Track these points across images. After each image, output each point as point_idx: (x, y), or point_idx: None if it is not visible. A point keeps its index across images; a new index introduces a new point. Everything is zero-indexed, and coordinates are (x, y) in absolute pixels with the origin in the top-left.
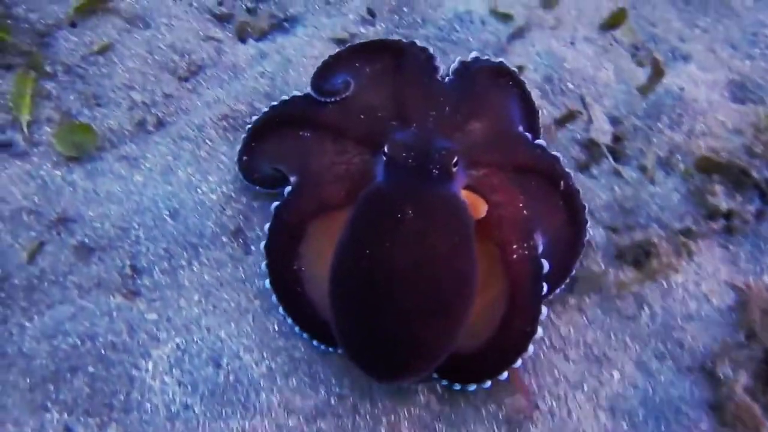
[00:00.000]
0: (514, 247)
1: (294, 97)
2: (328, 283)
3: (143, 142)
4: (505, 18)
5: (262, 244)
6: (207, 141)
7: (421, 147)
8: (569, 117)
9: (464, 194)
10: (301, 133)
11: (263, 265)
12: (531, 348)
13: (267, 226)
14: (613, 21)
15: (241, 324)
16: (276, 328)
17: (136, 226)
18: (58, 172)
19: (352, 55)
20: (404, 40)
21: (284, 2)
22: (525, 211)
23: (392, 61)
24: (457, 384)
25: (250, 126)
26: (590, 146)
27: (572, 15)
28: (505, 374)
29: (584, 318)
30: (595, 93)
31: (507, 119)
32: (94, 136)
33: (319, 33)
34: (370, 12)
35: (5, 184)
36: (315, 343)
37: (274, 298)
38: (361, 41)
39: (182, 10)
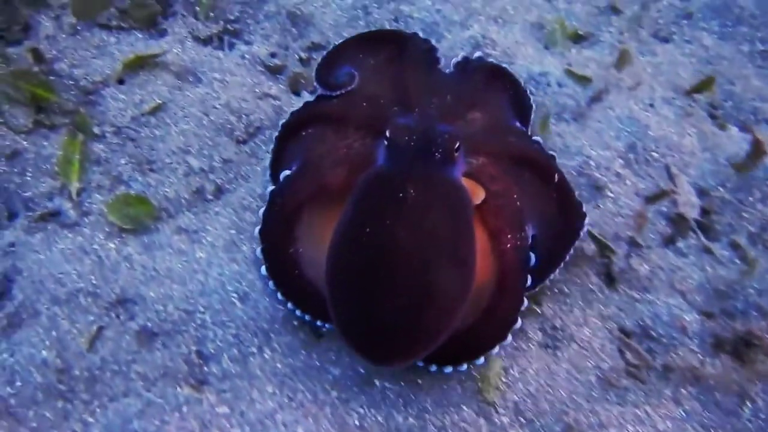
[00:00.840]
0: (508, 236)
1: (304, 103)
2: (326, 263)
3: (202, 212)
4: (583, 80)
5: (257, 230)
6: None
7: (424, 130)
8: (661, 196)
9: (463, 180)
10: (307, 128)
11: (257, 251)
12: (510, 338)
13: (261, 210)
14: (701, 87)
15: (319, 419)
16: (357, 422)
17: (202, 309)
18: (111, 245)
19: (355, 46)
20: (406, 31)
21: None
22: (519, 203)
23: (394, 51)
24: (433, 365)
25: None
26: (677, 220)
27: (648, 73)
28: (483, 359)
29: (681, 411)
30: (680, 162)
31: (505, 113)
32: (151, 208)
33: None
34: None
35: (59, 261)
36: (318, 323)
37: (271, 284)
38: (363, 32)
39: (233, 63)
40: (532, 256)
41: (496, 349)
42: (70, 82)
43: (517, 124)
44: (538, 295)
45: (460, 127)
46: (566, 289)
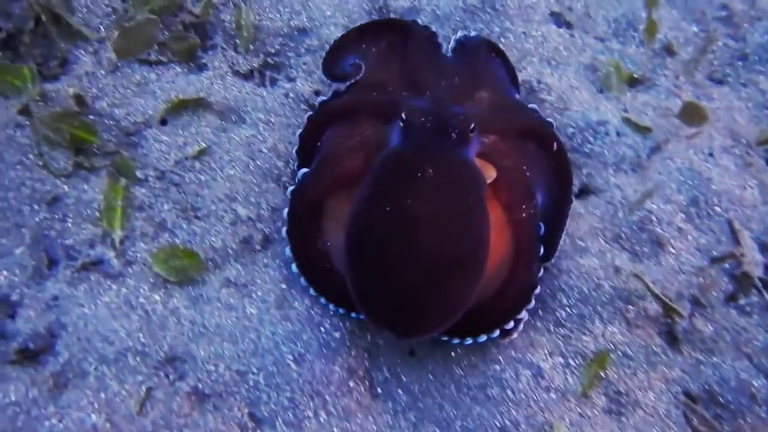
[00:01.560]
0: (522, 207)
1: (317, 107)
2: (345, 241)
3: (250, 263)
4: (643, 130)
5: (284, 230)
6: None
7: (439, 112)
8: (729, 257)
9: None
10: (326, 129)
11: (287, 250)
12: (533, 301)
13: (285, 211)
14: (764, 141)
15: None
16: None
17: (255, 371)
18: (157, 297)
19: (358, 37)
20: (404, 19)
21: None
22: (528, 173)
23: (397, 39)
24: (459, 338)
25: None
26: (740, 278)
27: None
28: (512, 323)
29: None
30: (743, 216)
31: (505, 87)
32: (199, 261)
33: None
34: None
35: (105, 317)
36: (353, 315)
37: (302, 280)
38: (364, 22)
39: (277, 101)
40: (541, 225)
41: (524, 314)
42: (111, 122)
43: (516, 95)
44: (602, 358)
45: (471, 108)
46: (630, 351)
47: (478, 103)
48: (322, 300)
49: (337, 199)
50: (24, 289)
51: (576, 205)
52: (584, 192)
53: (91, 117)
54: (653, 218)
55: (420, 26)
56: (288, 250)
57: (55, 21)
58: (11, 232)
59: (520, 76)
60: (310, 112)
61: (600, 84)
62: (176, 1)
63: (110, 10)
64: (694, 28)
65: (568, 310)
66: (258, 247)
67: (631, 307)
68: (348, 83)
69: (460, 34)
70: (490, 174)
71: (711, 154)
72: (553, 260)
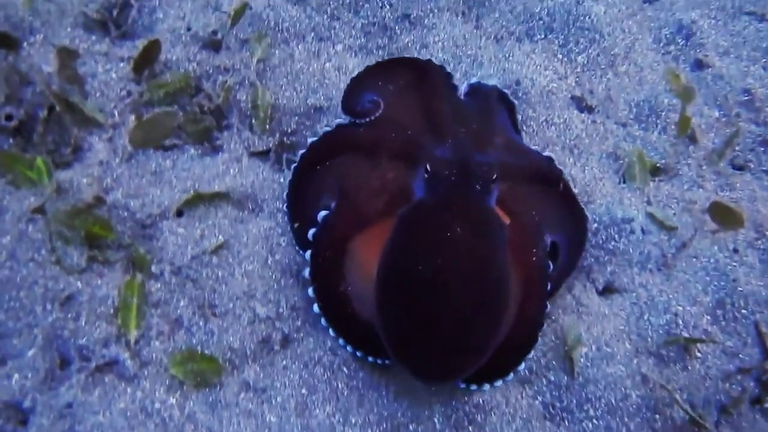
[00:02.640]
0: (533, 251)
1: (325, 133)
2: (375, 295)
3: (269, 365)
4: (669, 228)
5: (306, 271)
6: (343, 368)
7: (462, 162)
8: (758, 369)
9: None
10: (338, 159)
11: (309, 291)
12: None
13: (308, 253)
14: None
15: None
16: None
17: None
18: (173, 400)
19: (375, 74)
20: (421, 58)
21: None
22: (537, 217)
23: (414, 77)
24: (474, 385)
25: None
26: (766, 383)
27: None
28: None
29: None
30: None
31: (510, 131)
32: (218, 366)
33: None
34: None
35: (122, 426)
36: (370, 359)
37: (323, 321)
38: (381, 60)
39: None
40: (550, 263)
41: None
42: (126, 213)
43: (521, 140)
44: None
45: (491, 155)
46: None
47: (495, 149)
48: (341, 342)
49: (357, 242)
50: (36, 394)
51: (601, 305)
52: (608, 291)
53: (106, 209)
54: (680, 322)
55: (436, 66)
56: (311, 292)
57: (68, 107)
58: (23, 333)
59: None
60: (313, 140)
61: (623, 173)
62: (192, 84)
63: (125, 93)
64: (716, 113)
65: (596, 421)
66: (277, 348)
67: (658, 416)
68: (366, 119)
69: (473, 80)
70: (505, 219)
71: (736, 250)
72: (578, 369)
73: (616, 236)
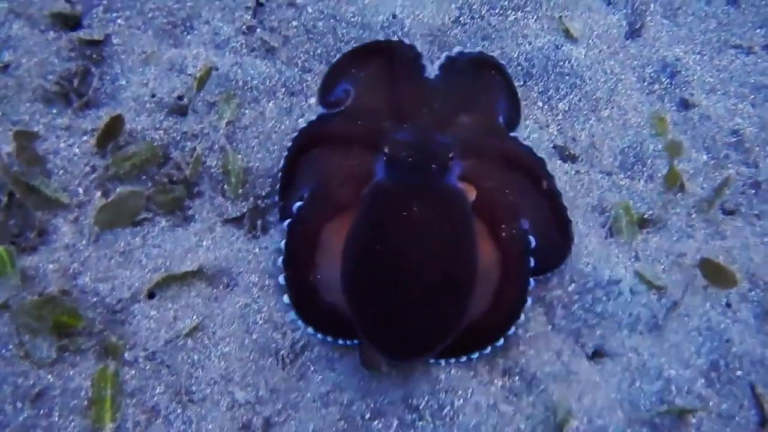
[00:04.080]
0: (503, 227)
1: (303, 128)
2: (341, 277)
3: None
4: (658, 288)
5: (280, 259)
6: None
7: (420, 144)
8: None
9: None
10: (314, 152)
11: (280, 278)
12: (523, 316)
13: (283, 242)
14: None
15: None
16: None
17: None
18: None
19: (348, 62)
20: (392, 39)
21: None
22: (511, 197)
23: (383, 62)
24: (453, 358)
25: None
26: None
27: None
28: (502, 341)
29: None
30: (765, 378)
31: (491, 111)
32: None
33: None
34: None
35: None
36: (339, 341)
37: (292, 313)
38: (354, 47)
39: (271, 260)
40: (532, 239)
41: (512, 329)
42: (95, 298)
43: (501, 119)
44: None
45: (450, 133)
46: None
47: (458, 128)
48: (310, 330)
49: (331, 228)
50: None
51: (590, 372)
52: (598, 355)
53: (74, 294)
54: (673, 388)
55: (405, 47)
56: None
57: (29, 191)
58: None
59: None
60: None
61: (609, 226)
62: (159, 154)
63: (89, 169)
64: (705, 157)
65: None
66: None
67: None
68: (338, 109)
69: (456, 50)
70: (471, 193)
71: (729, 305)
72: None
73: (604, 298)
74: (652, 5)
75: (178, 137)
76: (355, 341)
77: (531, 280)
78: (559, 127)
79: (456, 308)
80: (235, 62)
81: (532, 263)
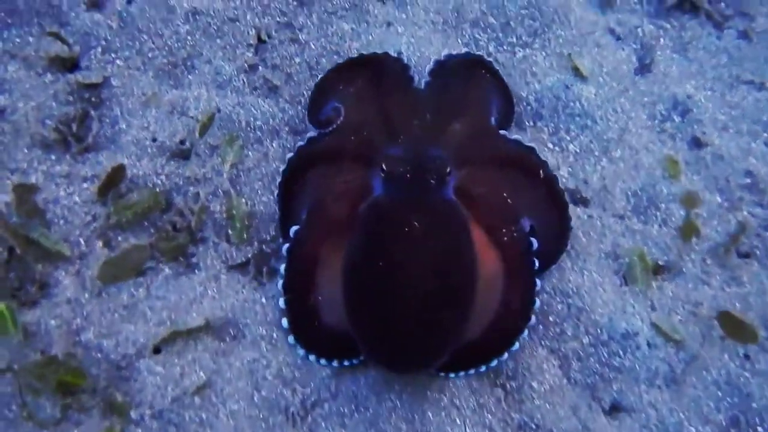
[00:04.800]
0: (503, 231)
1: (297, 148)
2: (342, 294)
3: None
4: (675, 342)
5: (279, 283)
6: None
7: (416, 159)
8: None
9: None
10: (310, 172)
11: (280, 301)
12: (533, 318)
13: (282, 266)
14: None
15: None
16: None
17: None
18: None
19: (335, 79)
20: (378, 53)
21: None
22: (509, 200)
23: (371, 75)
24: (470, 369)
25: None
26: None
27: (737, 309)
28: (517, 345)
29: None
30: None
31: (483, 114)
32: None
33: None
34: None
35: None
36: (335, 363)
37: (291, 338)
38: (339, 62)
39: (278, 310)
40: (534, 241)
41: (525, 333)
42: (99, 355)
43: (493, 120)
44: None
45: (443, 144)
46: None
47: (451, 137)
48: (311, 358)
49: (329, 247)
50: None
51: (608, 428)
52: (615, 410)
53: (77, 351)
54: None
55: (392, 59)
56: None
57: (29, 244)
58: None
59: (543, 280)
60: (291, 156)
61: (624, 274)
62: (161, 201)
63: (90, 218)
64: (718, 199)
65: None
66: None
67: None
68: (330, 128)
69: (444, 54)
70: (464, 210)
71: (747, 356)
72: None
73: (621, 352)
74: (661, 39)
75: (181, 182)
76: (354, 361)
77: (537, 280)
78: (570, 169)
79: (457, 321)
80: (238, 102)
81: (537, 264)
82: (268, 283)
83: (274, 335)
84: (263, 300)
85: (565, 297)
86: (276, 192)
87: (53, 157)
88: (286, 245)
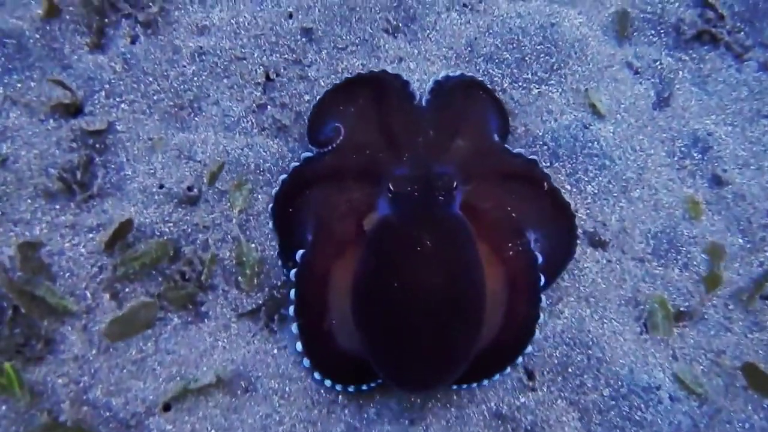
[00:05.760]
0: (509, 245)
1: (293, 168)
2: (353, 316)
3: None
4: (698, 395)
5: (291, 309)
6: None
7: (423, 178)
8: None
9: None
10: (310, 192)
11: (293, 327)
12: (538, 332)
13: (292, 293)
14: None
15: None
16: None
17: None
18: None
19: (334, 99)
20: (377, 71)
21: None
22: (513, 214)
23: (371, 94)
24: (474, 383)
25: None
26: None
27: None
28: (520, 359)
29: None
30: None
31: (485, 130)
32: None
33: None
34: (529, 375)
35: None
36: (351, 388)
37: (306, 362)
38: (337, 83)
39: (290, 362)
40: (539, 255)
41: (529, 348)
42: (108, 413)
43: (495, 136)
44: None
45: (448, 161)
46: None
47: (455, 154)
48: (327, 383)
49: (338, 268)
50: None
51: None
52: None
53: (85, 410)
54: None
55: (391, 77)
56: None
57: (33, 301)
58: None
59: (558, 325)
60: (285, 177)
61: (644, 322)
62: (169, 250)
63: (97, 269)
64: (740, 240)
65: None
66: None
67: None
68: (330, 147)
69: (442, 74)
70: (469, 225)
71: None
72: None
73: (643, 406)
74: (680, 72)
75: (189, 230)
76: (372, 384)
77: (542, 296)
78: (588, 211)
79: (470, 336)
80: (246, 144)
81: (542, 279)
82: (280, 331)
83: (287, 390)
84: (275, 351)
85: (585, 348)
86: (270, 216)
87: (57, 207)
88: (294, 270)
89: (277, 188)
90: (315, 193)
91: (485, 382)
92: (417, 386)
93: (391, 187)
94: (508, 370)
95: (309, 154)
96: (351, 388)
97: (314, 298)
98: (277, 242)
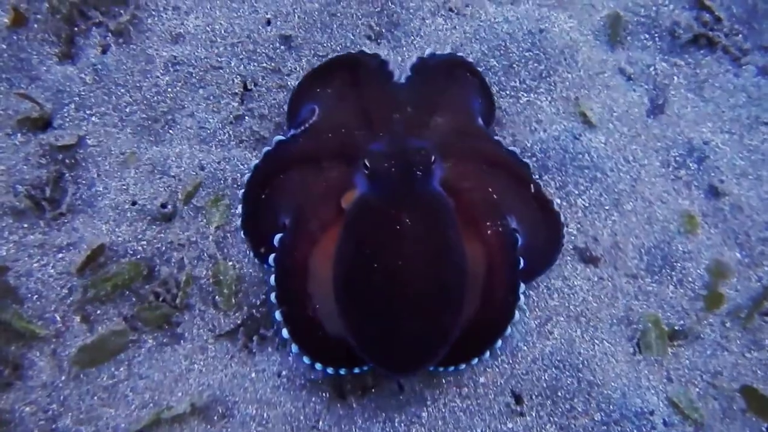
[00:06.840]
0: (487, 224)
1: (266, 153)
2: (335, 299)
3: None
4: (694, 422)
5: (272, 295)
6: None
7: (400, 152)
8: None
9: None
10: (285, 176)
11: (277, 314)
12: (517, 314)
13: (272, 277)
14: None
15: None
16: None
17: None
18: None
19: (311, 82)
20: (354, 52)
21: None
22: (495, 196)
23: (347, 74)
24: (450, 366)
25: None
26: None
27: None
28: (500, 342)
29: None
30: None
31: (467, 110)
32: None
33: None
34: (517, 399)
35: None
36: (342, 371)
37: (294, 347)
38: (315, 66)
39: (269, 386)
40: (519, 236)
41: (508, 330)
42: None
43: (479, 120)
44: None
45: (426, 137)
46: None
47: (434, 130)
48: (318, 366)
49: (318, 251)
50: None
51: None
52: None
53: None
54: None
55: (369, 56)
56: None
57: (0, 326)
58: None
59: (547, 346)
60: (257, 162)
61: (637, 342)
62: (142, 271)
63: (66, 291)
64: (738, 254)
65: None
66: None
67: None
68: (303, 129)
69: (427, 52)
70: (449, 201)
71: None
72: None
73: (635, 431)
74: (675, 78)
75: (164, 248)
76: (365, 368)
77: (522, 283)
78: (578, 225)
79: (453, 316)
80: (223, 157)
81: (522, 263)
82: (259, 353)
83: (265, 416)
84: (252, 375)
85: (575, 370)
86: (243, 192)
87: (25, 226)
88: (273, 255)
89: (249, 174)
90: (290, 175)
91: (462, 366)
92: (400, 368)
93: (366, 162)
94: (487, 354)
95: (281, 137)
96: (342, 371)
97: (295, 283)
98: (248, 229)
